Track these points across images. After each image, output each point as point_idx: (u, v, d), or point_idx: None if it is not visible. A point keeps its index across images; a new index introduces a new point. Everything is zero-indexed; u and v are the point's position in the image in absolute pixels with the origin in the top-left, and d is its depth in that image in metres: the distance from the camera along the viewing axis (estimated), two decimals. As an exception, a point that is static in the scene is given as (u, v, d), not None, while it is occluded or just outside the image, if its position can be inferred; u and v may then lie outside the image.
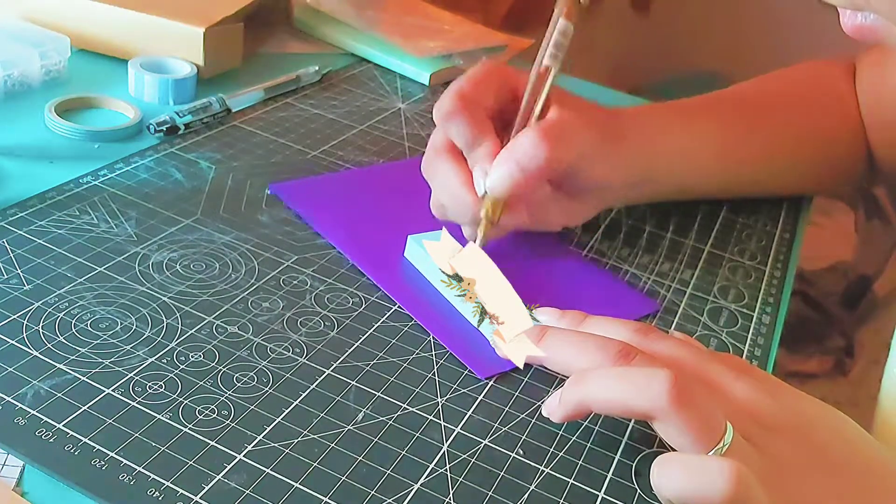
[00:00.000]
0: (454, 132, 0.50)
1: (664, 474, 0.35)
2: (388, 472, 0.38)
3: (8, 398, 0.38)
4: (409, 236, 0.52)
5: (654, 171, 0.58)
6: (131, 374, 0.40)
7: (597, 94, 0.82)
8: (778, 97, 0.67)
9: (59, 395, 0.39)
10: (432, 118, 0.51)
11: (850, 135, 0.68)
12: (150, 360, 0.42)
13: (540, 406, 0.43)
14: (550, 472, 0.40)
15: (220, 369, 0.42)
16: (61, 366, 0.40)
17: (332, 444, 0.39)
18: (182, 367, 0.42)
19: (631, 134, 0.56)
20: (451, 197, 0.51)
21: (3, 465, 0.35)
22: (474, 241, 0.50)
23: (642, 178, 0.57)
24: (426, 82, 0.79)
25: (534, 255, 0.55)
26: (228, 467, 0.37)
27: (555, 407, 0.41)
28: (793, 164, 0.66)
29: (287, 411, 0.40)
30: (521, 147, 0.48)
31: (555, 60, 0.50)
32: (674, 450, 0.37)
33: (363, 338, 0.46)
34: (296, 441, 0.39)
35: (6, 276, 0.45)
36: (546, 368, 0.45)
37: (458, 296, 0.49)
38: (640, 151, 0.56)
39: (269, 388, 0.41)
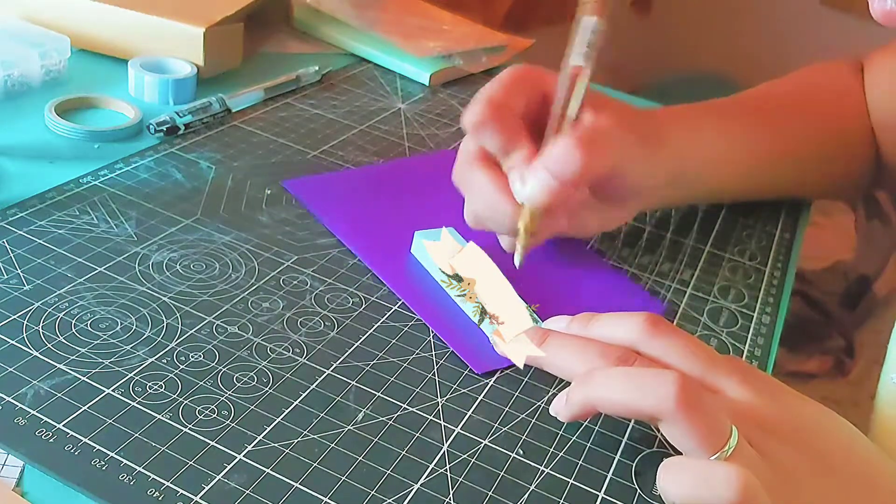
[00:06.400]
0: (487, 139, 0.49)
1: (670, 478, 0.35)
2: (388, 472, 0.38)
3: (8, 398, 0.38)
4: (415, 232, 0.53)
5: (690, 172, 0.57)
6: (131, 374, 0.40)
7: (597, 94, 0.82)
8: (799, 99, 0.67)
9: (59, 395, 0.39)
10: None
11: (863, 136, 0.68)
12: (150, 360, 0.42)
13: (540, 406, 0.43)
14: (550, 472, 0.40)
15: (220, 369, 0.42)
16: (61, 366, 0.40)
17: (332, 444, 0.39)
18: (182, 367, 0.42)
19: (667, 135, 0.55)
20: (488, 206, 0.50)
21: (3, 465, 0.35)
22: (513, 252, 0.49)
23: (678, 179, 0.57)
24: (426, 82, 0.79)
25: (534, 254, 0.55)
26: (228, 467, 0.37)
27: (561, 406, 0.41)
28: (815, 166, 0.66)
29: (287, 411, 0.40)
30: (555, 155, 0.47)
31: (587, 60, 0.48)
32: (676, 450, 0.37)
33: (363, 338, 0.46)
34: (296, 441, 0.39)
35: (6, 276, 0.45)
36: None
37: (459, 296, 0.49)
38: (677, 153, 0.56)
39: (269, 388, 0.41)
